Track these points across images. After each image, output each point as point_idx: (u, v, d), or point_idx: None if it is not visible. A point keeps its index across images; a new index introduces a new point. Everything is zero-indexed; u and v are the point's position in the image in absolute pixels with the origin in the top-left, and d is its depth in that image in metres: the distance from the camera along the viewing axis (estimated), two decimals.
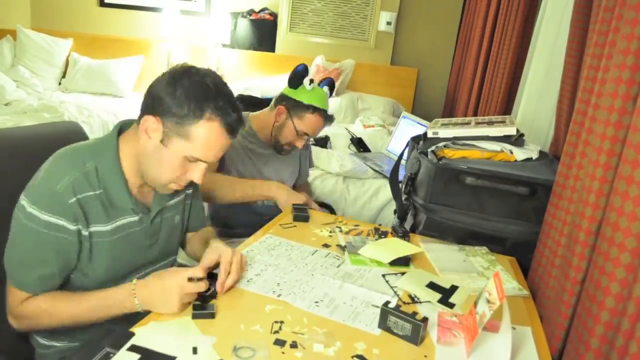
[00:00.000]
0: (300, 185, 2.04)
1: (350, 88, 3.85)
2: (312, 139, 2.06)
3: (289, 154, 1.81)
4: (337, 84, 3.66)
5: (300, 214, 1.54)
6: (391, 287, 1.20)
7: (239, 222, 1.77)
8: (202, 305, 1.02)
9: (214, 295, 1.06)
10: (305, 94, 1.71)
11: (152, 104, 1.01)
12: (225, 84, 1.06)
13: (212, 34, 3.88)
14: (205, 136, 1.01)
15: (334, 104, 3.53)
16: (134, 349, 0.89)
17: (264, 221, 1.53)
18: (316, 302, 1.10)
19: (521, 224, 1.47)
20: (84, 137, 1.34)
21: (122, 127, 1.11)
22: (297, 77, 1.74)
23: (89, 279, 1.08)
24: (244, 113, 1.79)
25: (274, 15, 3.91)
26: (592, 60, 1.18)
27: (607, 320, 0.93)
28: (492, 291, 0.97)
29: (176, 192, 1.19)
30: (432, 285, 1.21)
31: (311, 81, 1.72)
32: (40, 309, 1.02)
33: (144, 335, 0.93)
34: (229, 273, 1.09)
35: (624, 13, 0.99)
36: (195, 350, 0.89)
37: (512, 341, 0.95)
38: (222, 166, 1.72)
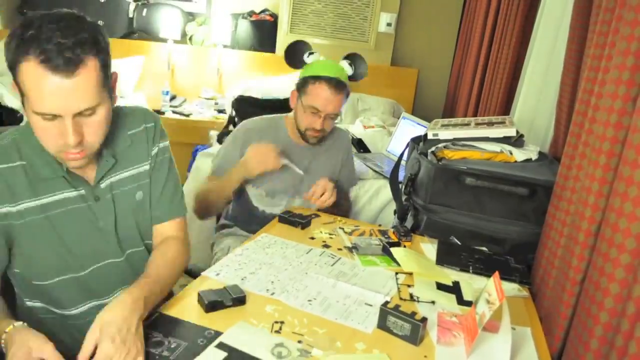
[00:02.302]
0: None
1: (350, 89, 3.84)
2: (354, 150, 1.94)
3: (319, 142, 1.69)
4: None
5: (291, 220, 1.50)
6: (398, 285, 1.21)
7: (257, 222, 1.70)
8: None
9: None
10: (307, 69, 1.65)
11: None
12: (67, 12, 0.86)
13: (213, 35, 3.89)
14: (29, 82, 0.83)
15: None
16: (221, 346, 0.90)
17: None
18: (309, 300, 1.11)
19: (521, 225, 1.47)
20: None
21: None
22: (293, 55, 1.65)
23: (35, 269, 0.98)
24: (280, 115, 1.74)
25: (275, 17, 3.91)
26: (592, 61, 1.18)
27: (607, 320, 0.93)
28: (491, 292, 0.97)
29: (126, 163, 1.07)
30: (440, 286, 1.22)
31: (310, 53, 1.64)
32: None
33: (231, 334, 0.94)
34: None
35: (624, 14, 0.99)
36: (280, 355, 0.90)
37: (512, 341, 0.95)
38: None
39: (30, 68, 0.82)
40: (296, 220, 1.49)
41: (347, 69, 1.68)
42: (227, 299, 1.03)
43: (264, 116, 1.79)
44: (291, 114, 1.73)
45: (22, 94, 0.87)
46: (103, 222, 1.04)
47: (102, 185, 1.04)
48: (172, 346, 0.90)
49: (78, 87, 0.85)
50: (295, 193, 1.74)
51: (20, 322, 0.85)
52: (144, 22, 3.88)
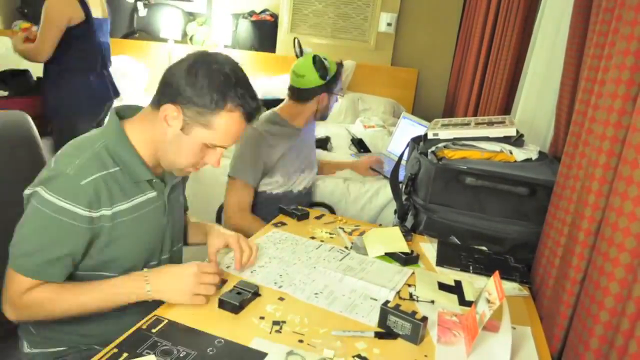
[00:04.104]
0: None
1: (351, 89, 3.85)
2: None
3: None
4: None
5: (295, 213, 1.57)
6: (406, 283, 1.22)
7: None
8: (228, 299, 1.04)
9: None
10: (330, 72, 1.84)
11: (171, 92, 1.02)
12: (242, 70, 1.07)
13: (213, 35, 3.89)
14: (227, 125, 1.04)
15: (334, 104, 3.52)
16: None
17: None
18: (316, 293, 1.13)
19: (521, 224, 1.47)
20: (30, 127, 1.32)
21: (119, 112, 1.12)
22: (323, 69, 1.83)
23: (112, 266, 1.07)
24: (270, 111, 1.89)
25: (275, 17, 3.91)
26: (591, 60, 1.18)
27: (607, 320, 0.93)
28: (492, 291, 0.97)
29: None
30: (442, 286, 1.22)
31: (323, 60, 1.82)
32: (45, 297, 0.99)
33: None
34: (242, 252, 1.18)
35: (624, 14, 0.99)
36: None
37: (512, 341, 0.95)
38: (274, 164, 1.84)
39: (234, 117, 1.04)
40: (293, 212, 1.56)
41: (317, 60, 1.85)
42: (248, 295, 1.07)
43: (262, 119, 1.85)
44: (278, 108, 1.89)
45: (192, 124, 1.02)
46: (166, 219, 1.17)
47: (168, 188, 1.16)
48: (182, 355, 0.88)
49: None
50: (305, 167, 1.97)
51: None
52: (145, 22, 3.89)
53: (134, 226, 1.07)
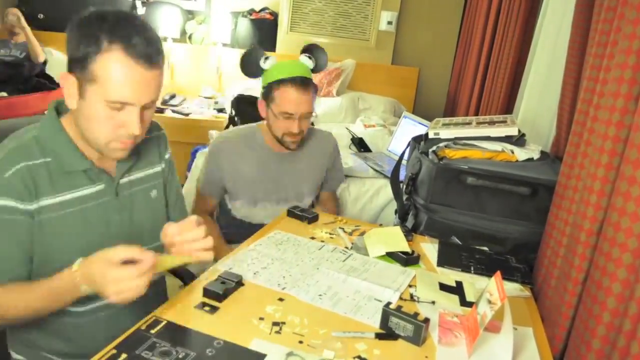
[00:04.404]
0: (324, 196, 1.91)
1: (351, 88, 3.84)
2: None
3: (299, 145, 1.65)
4: (337, 84, 3.65)
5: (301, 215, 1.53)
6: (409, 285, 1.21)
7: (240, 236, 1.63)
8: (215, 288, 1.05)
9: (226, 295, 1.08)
10: (268, 75, 1.58)
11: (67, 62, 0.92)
12: (134, 16, 0.93)
13: (213, 33, 3.88)
14: (110, 70, 0.88)
15: (334, 104, 3.51)
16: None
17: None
18: (320, 295, 1.12)
19: (522, 224, 1.46)
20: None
21: (59, 106, 1.03)
22: (249, 64, 1.59)
23: (48, 268, 0.94)
24: (253, 124, 1.72)
25: (275, 15, 3.90)
26: (594, 59, 1.17)
27: (609, 320, 0.93)
28: (493, 291, 0.97)
29: (143, 163, 1.12)
30: (443, 286, 1.22)
31: (265, 59, 1.58)
32: None
33: None
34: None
35: (626, 12, 0.98)
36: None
37: (514, 342, 0.94)
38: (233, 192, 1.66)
39: (113, 57, 0.87)
40: (304, 215, 1.51)
41: (308, 63, 1.61)
42: (232, 284, 1.09)
43: (238, 127, 1.78)
44: (265, 121, 1.68)
45: (83, 84, 0.90)
46: (119, 217, 1.06)
47: (123, 181, 1.07)
48: (180, 356, 0.88)
49: (153, 80, 0.93)
50: (279, 200, 1.71)
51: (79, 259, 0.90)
52: None
53: (66, 224, 0.97)
